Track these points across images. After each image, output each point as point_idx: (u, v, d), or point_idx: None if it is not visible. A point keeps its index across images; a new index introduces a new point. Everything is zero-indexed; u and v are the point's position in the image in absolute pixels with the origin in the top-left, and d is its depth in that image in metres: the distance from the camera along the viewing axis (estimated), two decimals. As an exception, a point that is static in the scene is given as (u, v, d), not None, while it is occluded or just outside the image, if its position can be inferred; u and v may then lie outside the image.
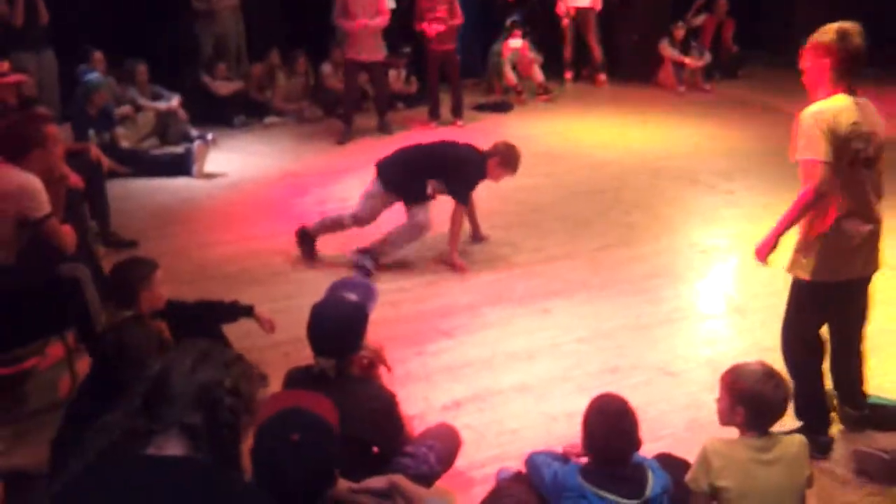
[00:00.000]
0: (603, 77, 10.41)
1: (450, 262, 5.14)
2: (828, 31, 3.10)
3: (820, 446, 3.30)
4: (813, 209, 3.11)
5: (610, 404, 2.62)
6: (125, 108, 7.46)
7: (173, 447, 1.71)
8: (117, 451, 1.72)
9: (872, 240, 3.23)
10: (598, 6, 10.14)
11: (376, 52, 8.12)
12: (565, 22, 10.18)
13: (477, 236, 5.55)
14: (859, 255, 3.20)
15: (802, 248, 3.23)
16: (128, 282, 3.28)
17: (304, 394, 2.37)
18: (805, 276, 3.23)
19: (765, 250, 3.23)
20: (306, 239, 5.29)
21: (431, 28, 8.32)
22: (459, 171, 5.06)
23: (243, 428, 1.81)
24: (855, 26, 3.09)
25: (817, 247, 3.17)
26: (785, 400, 2.58)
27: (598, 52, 10.32)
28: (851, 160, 3.04)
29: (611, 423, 2.54)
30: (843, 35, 3.06)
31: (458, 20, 8.51)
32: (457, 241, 5.18)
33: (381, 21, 7.96)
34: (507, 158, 5.10)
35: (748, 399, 2.56)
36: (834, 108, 3.03)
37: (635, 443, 2.54)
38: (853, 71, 3.09)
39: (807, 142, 3.02)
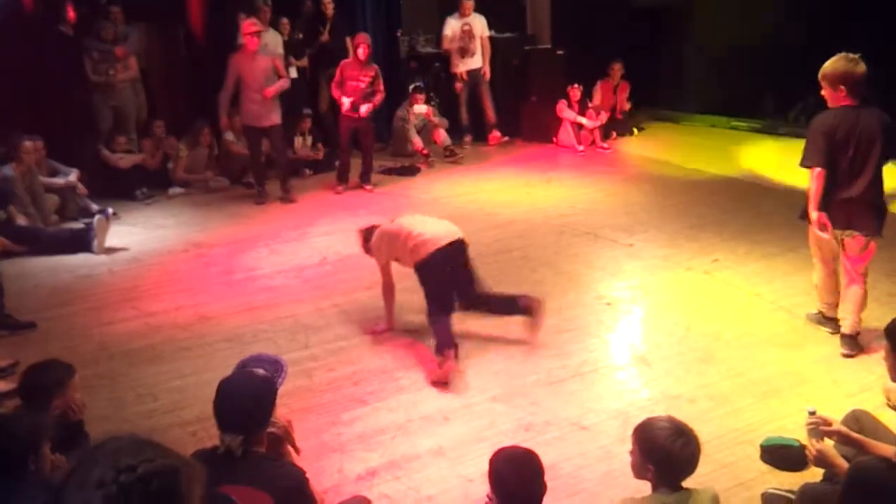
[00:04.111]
0: (497, 134, 10.49)
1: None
2: None
3: None
4: None
5: (515, 451, 2.72)
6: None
7: None
8: None
9: None
10: (487, 73, 10.26)
11: (274, 116, 8.09)
12: (458, 87, 10.30)
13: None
14: None
15: None
16: (41, 386, 3.19)
17: (247, 490, 2.30)
18: None
19: None
20: None
21: (350, 103, 8.26)
22: None
23: None
24: None
25: None
26: (693, 456, 2.60)
27: (491, 111, 10.44)
28: None
29: (522, 468, 2.62)
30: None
31: (381, 95, 8.50)
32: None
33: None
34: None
35: (657, 457, 2.61)
36: None
37: (544, 485, 2.59)
38: None
39: None
